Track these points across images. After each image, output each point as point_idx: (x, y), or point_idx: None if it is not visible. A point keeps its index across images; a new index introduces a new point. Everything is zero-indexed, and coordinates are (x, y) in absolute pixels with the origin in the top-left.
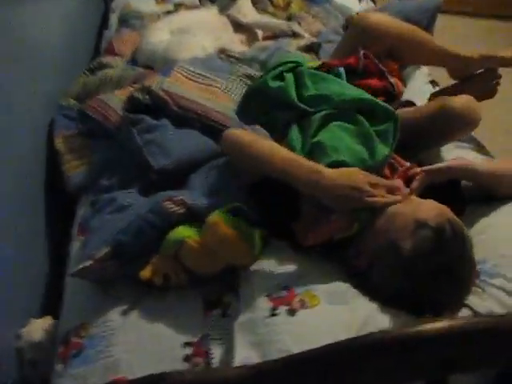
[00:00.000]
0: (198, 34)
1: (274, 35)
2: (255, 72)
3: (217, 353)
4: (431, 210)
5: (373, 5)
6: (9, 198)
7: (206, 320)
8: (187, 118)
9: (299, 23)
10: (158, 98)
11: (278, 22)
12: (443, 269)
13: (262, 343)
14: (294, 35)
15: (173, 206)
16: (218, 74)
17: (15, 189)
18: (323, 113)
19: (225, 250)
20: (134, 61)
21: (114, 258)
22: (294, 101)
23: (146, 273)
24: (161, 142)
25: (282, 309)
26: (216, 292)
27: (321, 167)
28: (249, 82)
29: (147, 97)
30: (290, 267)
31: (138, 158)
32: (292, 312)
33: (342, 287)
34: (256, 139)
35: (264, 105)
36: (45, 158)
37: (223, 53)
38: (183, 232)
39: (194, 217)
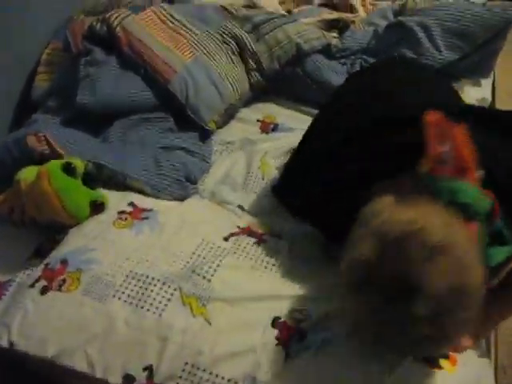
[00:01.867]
0: None
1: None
2: (244, 33)
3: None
4: None
5: None
6: None
7: (23, 265)
8: (134, 61)
9: None
10: (112, 33)
11: None
12: None
13: (7, 312)
14: (351, 8)
15: (35, 142)
16: (199, 25)
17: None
18: None
19: (42, 205)
20: None
21: None
22: None
23: None
24: (97, 78)
25: (41, 283)
26: (50, 242)
27: None
28: (232, 42)
29: (105, 29)
30: (93, 235)
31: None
32: (44, 290)
33: (116, 276)
34: None
35: None
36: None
37: (251, 6)
38: (26, 172)
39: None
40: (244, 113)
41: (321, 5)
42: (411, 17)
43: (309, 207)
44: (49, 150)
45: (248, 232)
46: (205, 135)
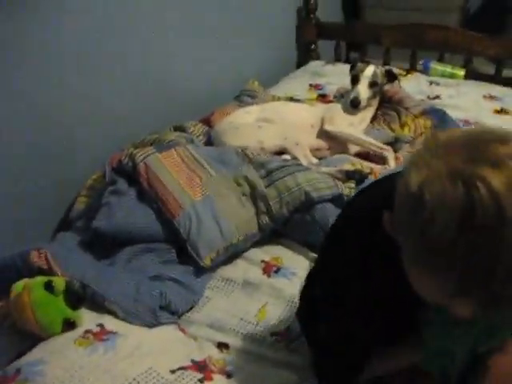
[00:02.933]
0: (268, 128)
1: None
2: (257, 178)
3: None
4: None
5: None
6: None
7: None
8: (149, 195)
9: (396, 149)
10: (135, 168)
11: (368, 141)
12: None
13: None
14: (383, 159)
15: (36, 258)
16: (217, 166)
17: None
18: None
19: (20, 314)
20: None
21: None
22: None
23: None
24: (115, 206)
25: None
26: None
27: None
28: (245, 184)
29: (130, 164)
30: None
31: None
32: None
33: None
34: None
35: None
36: None
37: (280, 152)
38: (19, 283)
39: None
40: (251, 252)
41: (356, 154)
42: None
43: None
44: (47, 266)
45: (199, 367)
46: (203, 270)
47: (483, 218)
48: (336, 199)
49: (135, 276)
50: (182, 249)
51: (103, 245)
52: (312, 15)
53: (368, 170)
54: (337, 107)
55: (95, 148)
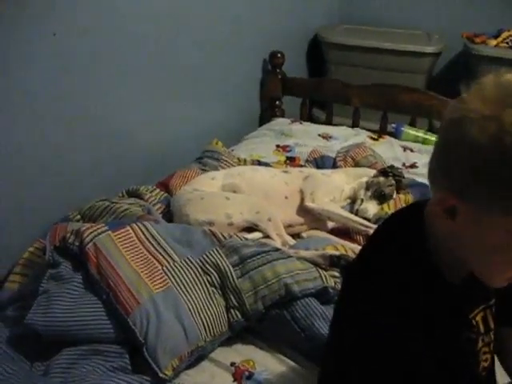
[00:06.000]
0: (237, 200)
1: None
2: (227, 265)
3: None
4: None
5: None
6: None
7: None
8: (99, 284)
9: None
10: (82, 250)
11: (351, 219)
12: None
13: None
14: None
15: None
16: (181, 250)
17: None
18: None
19: None
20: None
21: None
22: None
23: None
24: (54, 297)
25: None
26: None
27: None
28: (214, 273)
29: (77, 243)
30: None
31: None
32: None
33: None
34: None
35: None
36: None
37: (253, 228)
38: None
39: None
40: (219, 353)
41: (333, 229)
42: None
43: None
44: None
45: None
46: (162, 380)
47: None
48: (320, 294)
49: None
50: (136, 350)
51: (40, 343)
52: (278, 69)
53: (353, 255)
54: (316, 178)
55: (34, 213)
